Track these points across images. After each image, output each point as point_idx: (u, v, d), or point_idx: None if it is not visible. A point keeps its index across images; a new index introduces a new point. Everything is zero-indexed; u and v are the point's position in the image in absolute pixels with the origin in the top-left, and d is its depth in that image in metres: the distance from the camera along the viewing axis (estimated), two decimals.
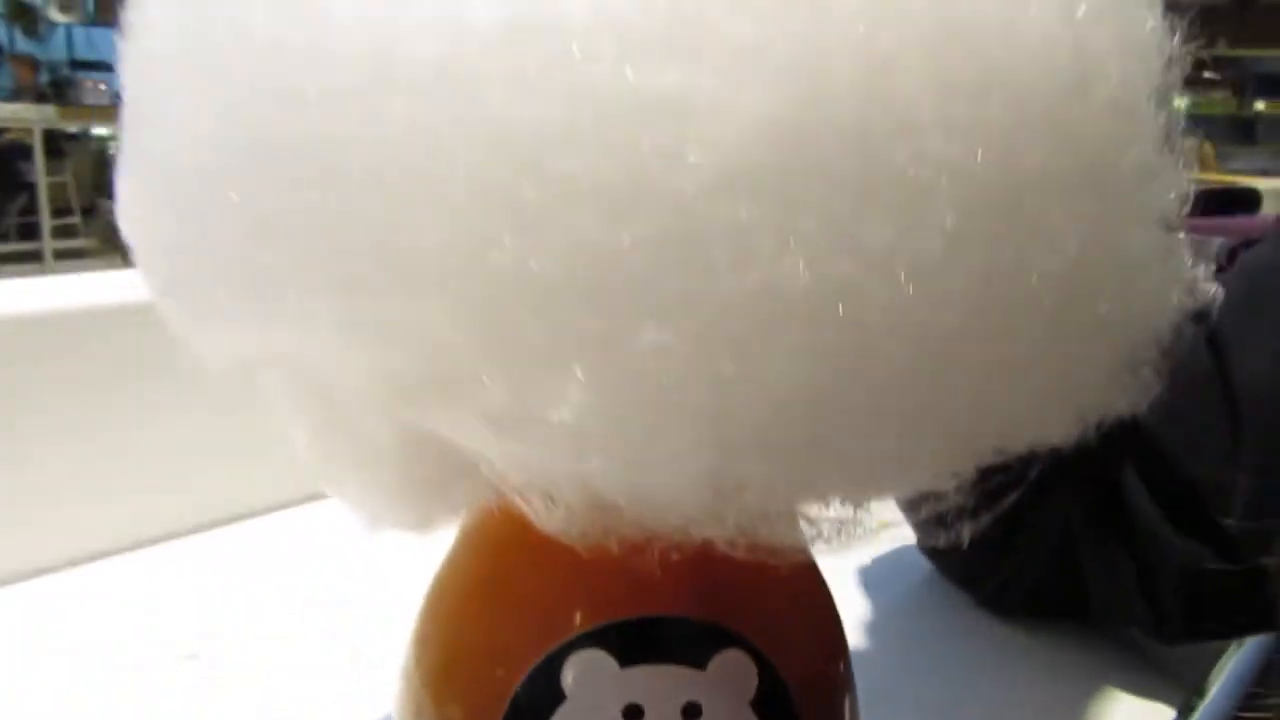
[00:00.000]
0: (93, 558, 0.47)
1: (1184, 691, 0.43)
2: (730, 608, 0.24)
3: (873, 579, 0.50)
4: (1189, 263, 0.20)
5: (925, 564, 0.51)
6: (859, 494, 0.18)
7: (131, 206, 0.20)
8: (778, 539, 0.17)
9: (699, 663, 0.23)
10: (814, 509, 0.18)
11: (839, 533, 0.19)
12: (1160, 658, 0.45)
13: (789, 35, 0.15)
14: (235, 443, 0.46)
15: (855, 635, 0.43)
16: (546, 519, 0.18)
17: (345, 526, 0.23)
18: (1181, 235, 0.20)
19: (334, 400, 0.19)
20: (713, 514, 0.16)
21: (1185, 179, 0.20)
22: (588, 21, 0.15)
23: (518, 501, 0.19)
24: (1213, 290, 0.21)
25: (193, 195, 0.18)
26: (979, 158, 0.15)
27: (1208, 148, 5.17)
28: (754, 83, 0.15)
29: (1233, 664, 0.45)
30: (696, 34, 0.15)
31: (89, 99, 8.09)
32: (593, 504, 0.17)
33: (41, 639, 0.41)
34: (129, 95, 0.20)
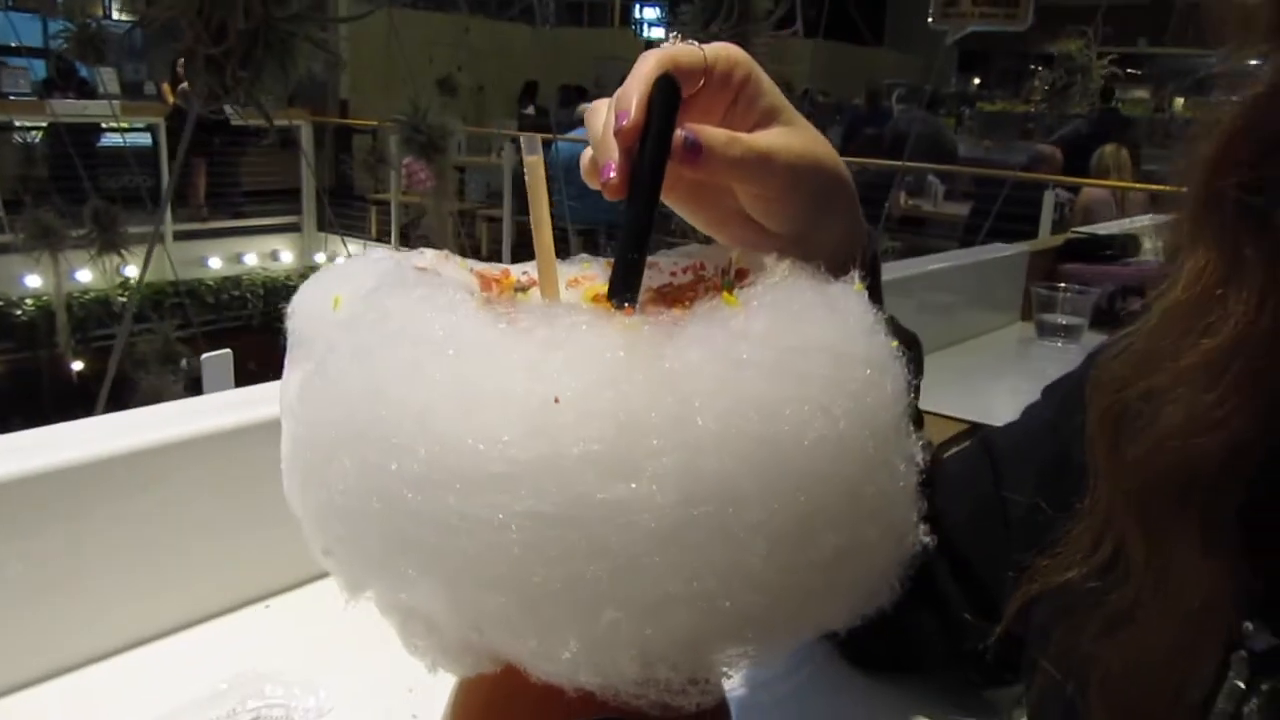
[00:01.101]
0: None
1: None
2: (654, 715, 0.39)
3: None
4: (916, 524, 0.36)
5: None
6: (721, 676, 0.33)
7: (300, 498, 0.34)
8: (677, 700, 0.32)
9: None
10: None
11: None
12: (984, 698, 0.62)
13: (678, 464, 0.29)
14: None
15: (740, 679, 0.59)
16: (548, 677, 0.33)
17: None
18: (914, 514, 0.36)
19: (428, 620, 0.33)
20: (639, 693, 0.31)
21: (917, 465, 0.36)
22: (579, 456, 0.29)
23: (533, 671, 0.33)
24: (928, 539, 0.36)
25: (347, 517, 0.32)
26: (778, 515, 0.30)
27: (1124, 155, 5.46)
28: (660, 490, 0.29)
29: None
30: (632, 466, 0.29)
31: (8, 85, 7.79)
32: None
33: None
34: (301, 427, 0.34)
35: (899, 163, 6.05)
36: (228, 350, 0.71)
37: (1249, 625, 0.39)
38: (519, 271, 0.44)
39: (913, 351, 0.56)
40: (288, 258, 7.53)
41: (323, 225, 7.43)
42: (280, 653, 0.61)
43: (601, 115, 0.41)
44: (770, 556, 0.31)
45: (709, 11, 3.21)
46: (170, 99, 7.07)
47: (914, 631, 0.59)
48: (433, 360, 0.31)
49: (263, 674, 0.56)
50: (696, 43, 0.42)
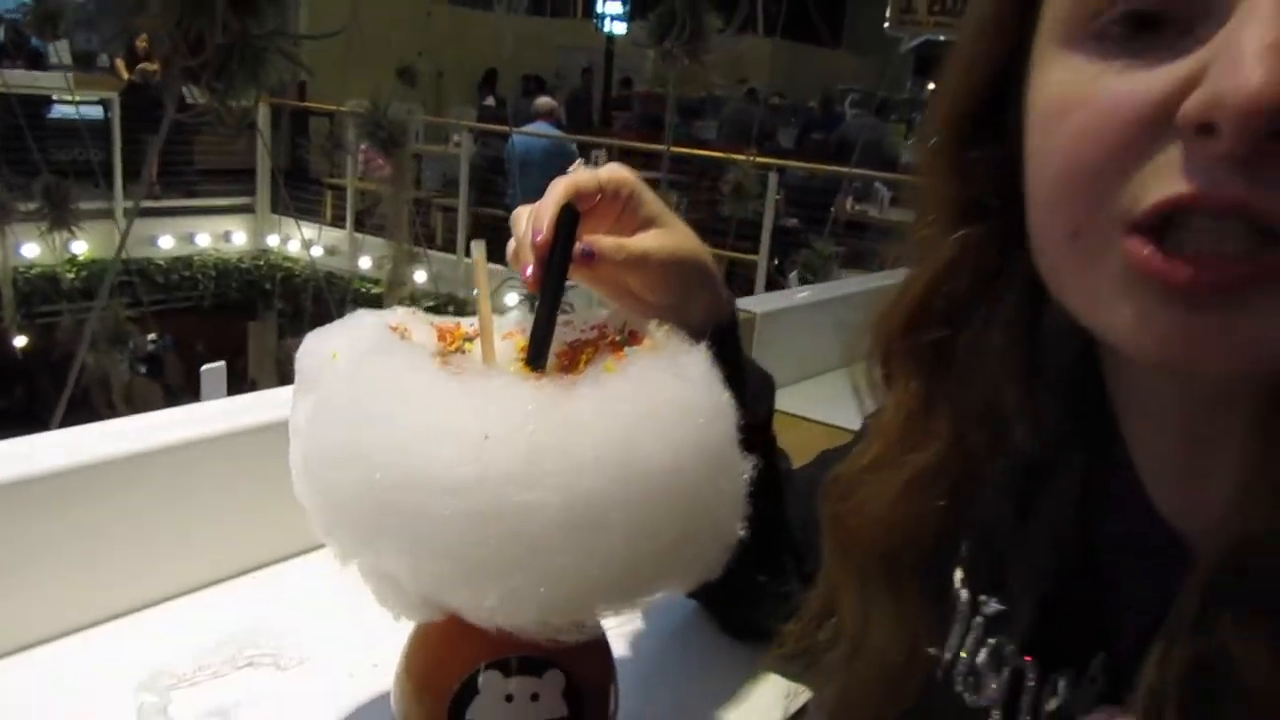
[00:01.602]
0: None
1: None
2: (552, 649, 0.54)
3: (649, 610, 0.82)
4: (737, 525, 0.52)
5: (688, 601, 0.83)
6: (597, 621, 0.49)
7: (309, 497, 0.49)
8: (565, 637, 0.48)
9: (539, 674, 0.54)
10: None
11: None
12: None
13: (566, 481, 0.45)
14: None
15: (629, 648, 0.75)
16: (478, 621, 0.49)
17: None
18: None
19: (396, 581, 0.48)
20: (540, 631, 0.47)
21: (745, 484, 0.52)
22: (501, 474, 0.45)
23: (468, 617, 0.49)
24: (743, 534, 0.52)
25: (344, 511, 0.47)
26: (633, 517, 0.46)
27: None
28: (556, 496, 0.45)
29: None
30: (536, 481, 0.45)
31: None
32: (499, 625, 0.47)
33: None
34: (310, 445, 0.49)
35: (844, 168, 6.25)
36: (222, 363, 0.84)
37: (983, 597, 0.55)
38: (468, 324, 0.59)
39: (764, 389, 0.73)
40: (240, 239, 7.52)
41: (276, 207, 7.44)
42: (266, 613, 0.75)
43: (523, 222, 0.56)
44: (627, 544, 0.47)
45: (663, 28, 3.36)
46: (125, 75, 7.01)
47: (770, 609, 0.75)
48: (406, 407, 0.46)
49: (255, 629, 0.70)
50: (594, 168, 0.58)
